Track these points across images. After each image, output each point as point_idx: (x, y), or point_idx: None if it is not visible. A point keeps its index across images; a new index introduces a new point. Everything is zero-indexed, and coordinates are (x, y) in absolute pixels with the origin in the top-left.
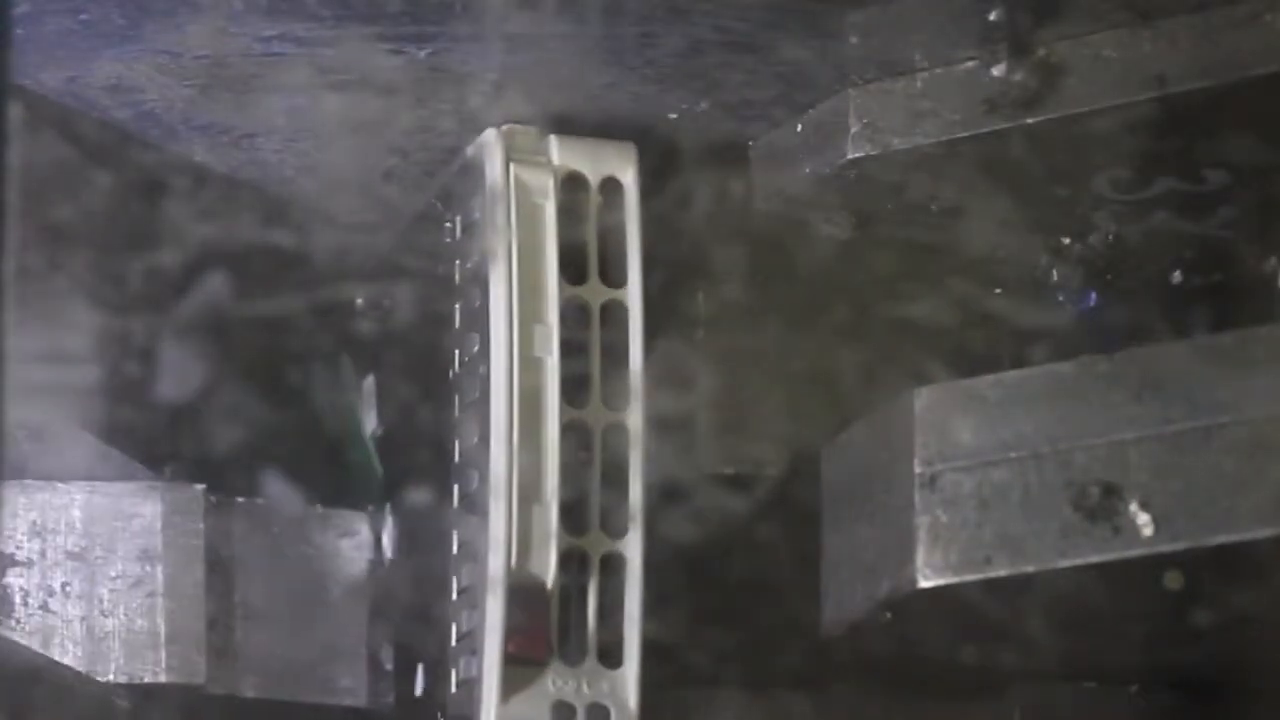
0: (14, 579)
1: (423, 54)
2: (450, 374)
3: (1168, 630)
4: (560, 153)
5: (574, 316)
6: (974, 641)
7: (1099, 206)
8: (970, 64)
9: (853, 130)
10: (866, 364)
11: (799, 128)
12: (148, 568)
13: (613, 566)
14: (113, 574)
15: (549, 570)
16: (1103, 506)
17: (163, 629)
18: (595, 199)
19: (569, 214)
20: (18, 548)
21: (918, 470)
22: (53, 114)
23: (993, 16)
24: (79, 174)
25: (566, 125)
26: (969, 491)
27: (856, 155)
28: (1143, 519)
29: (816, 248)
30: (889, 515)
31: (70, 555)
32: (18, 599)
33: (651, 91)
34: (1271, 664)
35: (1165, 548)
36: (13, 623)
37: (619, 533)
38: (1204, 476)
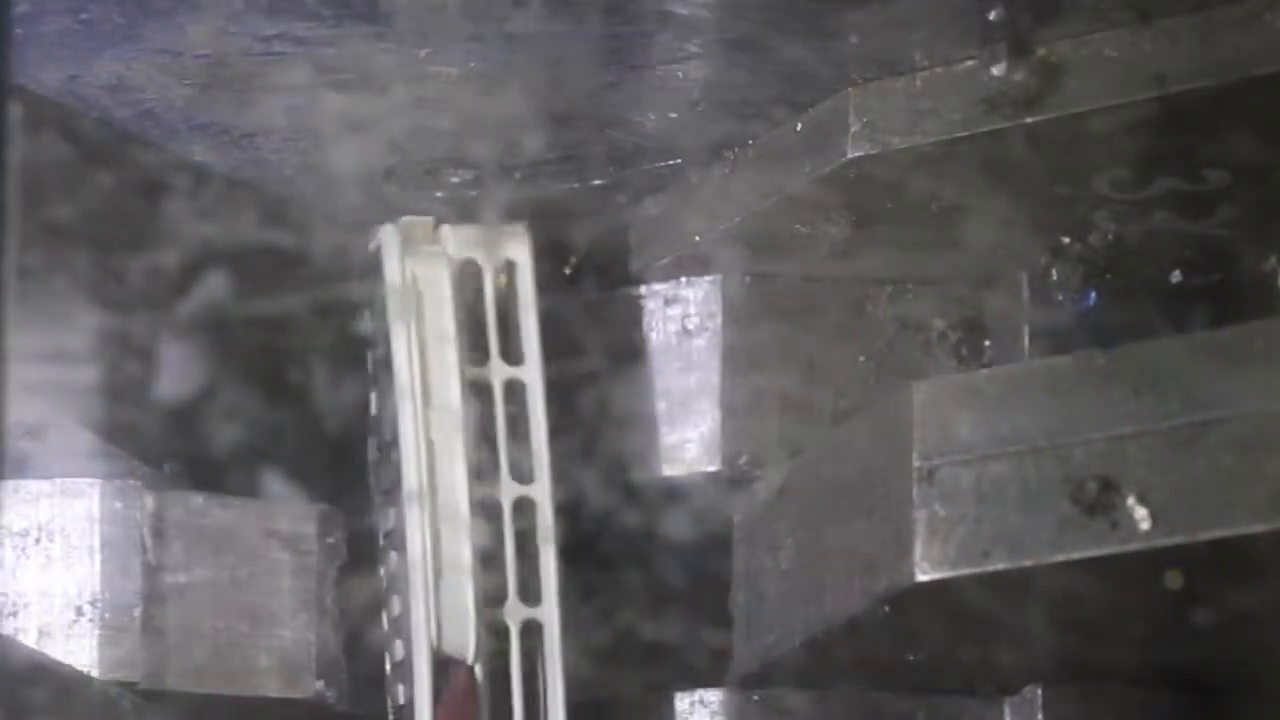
0: None
1: (423, 54)
2: (368, 459)
3: (1165, 626)
4: (455, 243)
5: (478, 396)
6: (971, 638)
7: (1099, 206)
8: (970, 64)
9: (852, 130)
10: None
11: (799, 127)
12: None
13: (532, 633)
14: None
15: (469, 644)
16: (1100, 501)
17: (99, 623)
18: (494, 282)
19: (468, 298)
20: None
21: (916, 464)
22: (53, 114)
23: (993, 16)
24: (79, 174)
25: (566, 124)
26: (967, 485)
27: (856, 155)
28: (1140, 513)
29: None
30: (887, 509)
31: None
32: None
33: (651, 92)
34: (1270, 661)
35: (1163, 542)
36: None
37: (535, 600)
38: (1201, 471)
